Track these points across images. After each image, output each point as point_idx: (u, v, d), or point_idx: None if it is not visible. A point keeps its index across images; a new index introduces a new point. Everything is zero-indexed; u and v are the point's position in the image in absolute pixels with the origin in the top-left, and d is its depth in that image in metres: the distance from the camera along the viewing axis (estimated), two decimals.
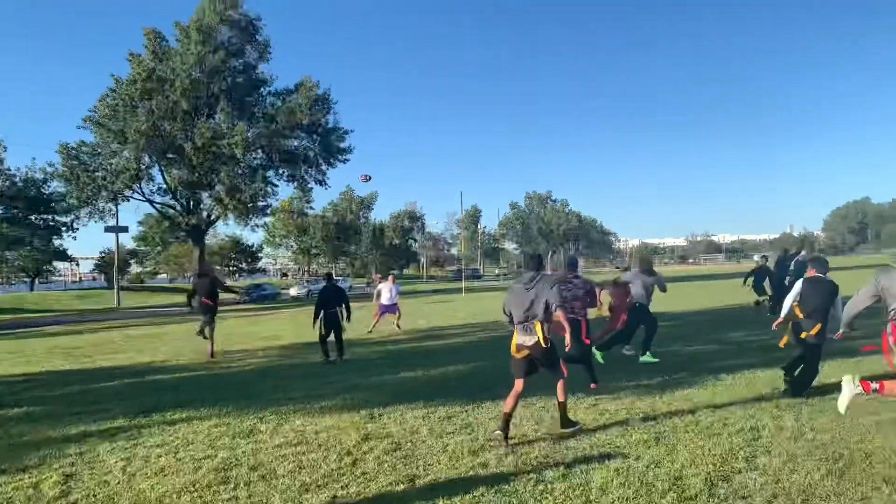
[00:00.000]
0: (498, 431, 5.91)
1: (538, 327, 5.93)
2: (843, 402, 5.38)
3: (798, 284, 7.56)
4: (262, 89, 45.85)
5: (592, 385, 8.06)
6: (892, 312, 5.57)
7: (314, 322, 12.19)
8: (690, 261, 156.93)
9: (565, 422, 6.16)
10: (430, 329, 18.03)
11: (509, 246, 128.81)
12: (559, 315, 6.00)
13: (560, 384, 6.12)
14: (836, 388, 5.75)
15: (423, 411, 7.29)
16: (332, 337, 12.21)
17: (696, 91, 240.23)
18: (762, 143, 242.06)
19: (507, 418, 5.96)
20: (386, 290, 17.77)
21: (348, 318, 12.41)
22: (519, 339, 6.11)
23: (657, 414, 6.69)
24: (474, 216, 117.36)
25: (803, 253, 16.85)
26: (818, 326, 7.14)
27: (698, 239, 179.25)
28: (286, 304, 44.06)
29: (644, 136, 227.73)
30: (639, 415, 6.71)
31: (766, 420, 6.20)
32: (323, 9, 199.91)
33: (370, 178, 13.83)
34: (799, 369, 7.37)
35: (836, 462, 4.93)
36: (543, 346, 5.93)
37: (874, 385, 5.17)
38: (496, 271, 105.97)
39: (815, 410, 6.49)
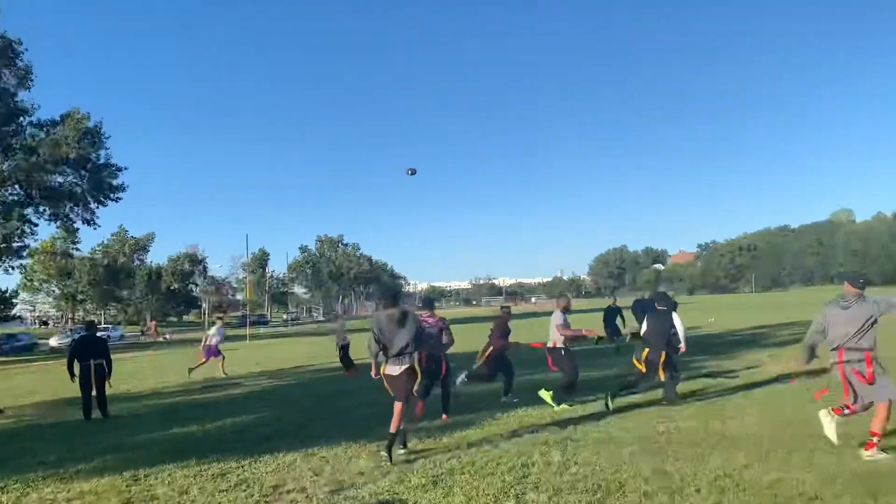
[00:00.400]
0: (390, 451, 6.63)
1: (414, 359, 6.78)
2: (830, 432, 6.18)
3: (647, 317, 9.47)
4: (21, 119, 41.08)
5: (444, 416, 8.80)
6: (832, 345, 6.25)
7: (71, 376, 10.94)
8: (474, 302, 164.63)
9: (394, 444, 6.79)
10: (208, 379, 17.02)
11: (299, 290, 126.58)
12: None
13: (399, 411, 6.72)
14: (590, 418, 6.20)
15: (195, 469, 6.79)
16: (95, 391, 11.03)
17: (464, 143, 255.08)
18: (536, 195, 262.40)
19: (393, 437, 6.71)
20: (214, 334, 18.10)
21: (109, 372, 11.23)
22: (389, 369, 6.83)
23: (436, 456, 6.79)
24: (262, 259, 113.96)
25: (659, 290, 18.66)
26: (663, 354, 8.98)
27: (481, 282, 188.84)
28: (45, 355, 39.79)
29: (429, 186, 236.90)
30: (418, 458, 6.76)
31: (536, 456, 6.51)
32: (96, 38, 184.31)
33: (415, 171, 13.47)
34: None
35: (594, 493, 5.27)
36: (412, 375, 6.78)
37: (845, 410, 6.16)
38: (284, 316, 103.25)
39: (580, 445, 6.93)
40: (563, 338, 9.57)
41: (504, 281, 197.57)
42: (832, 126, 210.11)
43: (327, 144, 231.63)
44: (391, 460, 6.56)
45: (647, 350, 9.16)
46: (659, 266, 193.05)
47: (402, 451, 6.94)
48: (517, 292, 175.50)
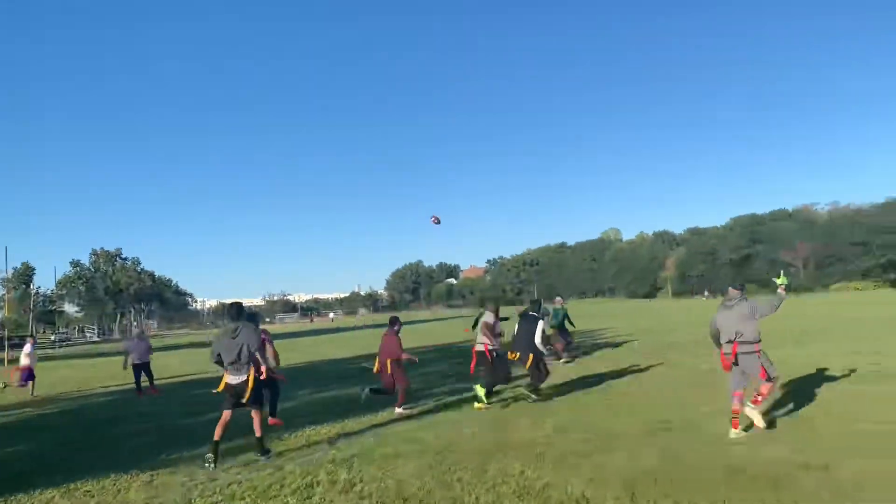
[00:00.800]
0: (210, 455, 6.96)
1: (250, 371, 7.22)
2: (758, 421, 7.08)
3: (518, 323, 10.51)
4: None
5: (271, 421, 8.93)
6: (726, 339, 7.36)
7: None
8: (267, 320, 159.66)
9: (260, 449, 7.35)
10: None
11: (70, 308, 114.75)
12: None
13: (258, 418, 7.34)
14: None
15: None
16: None
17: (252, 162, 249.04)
18: (330, 211, 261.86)
19: (216, 445, 7.02)
20: (29, 352, 17.05)
21: None
22: (229, 378, 7.26)
23: (217, 481, 6.39)
24: (25, 275, 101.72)
25: (558, 298, 18.84)
26: (530, 356, 10.04)
27: (275, 298, 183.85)
28: None
29: (215, 198, 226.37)
30: (197, 485, 6.33)
31: (322, 475, 6.36)
32: None
33: (439, 220, 11.99)
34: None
35: None
36: (251, 385, 7.19)
37: (758, 397, 7.26)
38: (52, 337, 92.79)
39: (367, 461, 6.89)
40: (493, 341, 10.11)
41: (300, 297, 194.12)
42: (604, 152, 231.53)
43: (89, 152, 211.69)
44: (215, 465, 6.91)
45: (517, 353, 10.25)
46: (452, 280, 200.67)
47: (262, 457, 7.27)
48: (313, 308, 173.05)
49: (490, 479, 5.89)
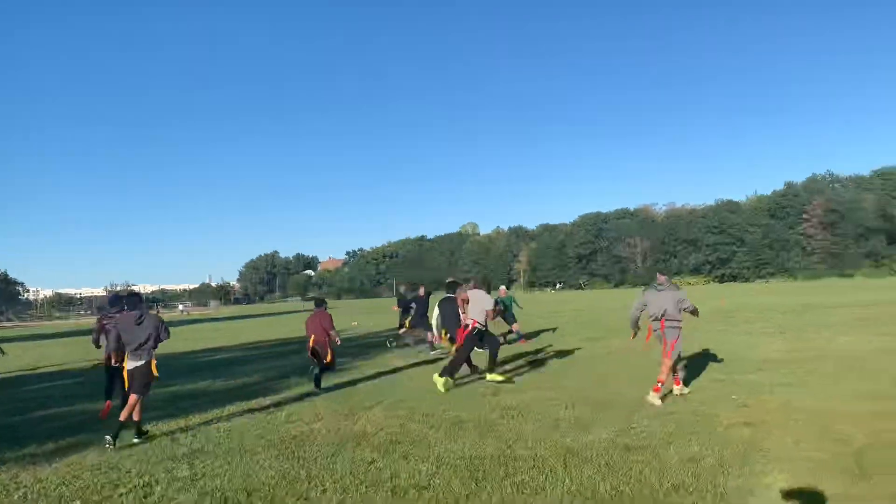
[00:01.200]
0: (109, 437, 7.24)
1: (151, 356, 7.61)
2: (655, 401, 8.02)
3: (439, 305, 11.61)
4: None
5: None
6: (653, 316, 8.66)
7: None
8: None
9: (139, 433, 7.63)
10: None
11: None
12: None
13: (137, 403, 7.48)
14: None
15: None
16: None
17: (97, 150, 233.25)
18: (179, 199, 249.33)
19: (122, 426, 7.37)
20: None
21: None
22: (129, 364, 7.56)
23: (42, 483, 5.93)
24: None
25: (502, 288, 19.46)
26: (459, 330, 10.58)
27: (118, 288, 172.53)
28: None
29: (50, 183, 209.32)
30: (20, 487, 5.85)
31: (161, 473, 6.08)
32: None
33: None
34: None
35: None
36: (147, 370, 7.57)
37: (659, 384, 8.23)
38: None
39: (211, 456, 6.65)
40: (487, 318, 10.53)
41: (145, 287, 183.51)
42: (464, 150, 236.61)
43: None
44: (115, 445, 7.15)
45: (446, 332, 11.34)
46: (310, 272, 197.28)
47: (137, 440, 7.52)
48: (160, 299, 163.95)
49: (339, 470, 5.88)
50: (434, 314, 11.75)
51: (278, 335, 27.68)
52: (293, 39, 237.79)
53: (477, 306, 10.46)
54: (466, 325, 10.46)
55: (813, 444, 5.97)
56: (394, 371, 12.37)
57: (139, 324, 7.59)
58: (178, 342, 27.92)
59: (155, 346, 7.71)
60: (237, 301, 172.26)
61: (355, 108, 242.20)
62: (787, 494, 4.73)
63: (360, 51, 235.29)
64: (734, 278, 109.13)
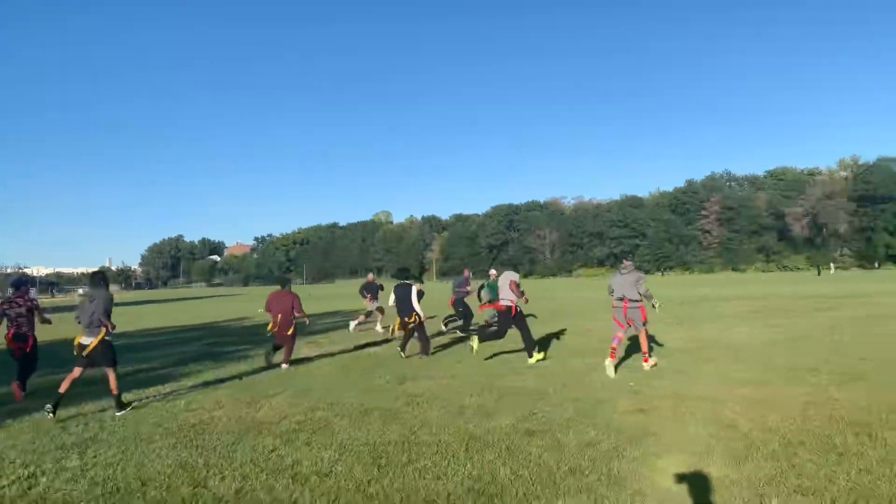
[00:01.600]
0: (49, 406, 7.61)
1: (102, 332, 7.89)
2: (609, 371, 9.18)
3: (394, 290, 12.22)
4: None
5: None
6: (616, 298, 9.89)
7: None
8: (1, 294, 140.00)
9: (119, 405, 7.91)
10: None
11: None
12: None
13: (112, 376, 7.93)
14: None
15: None
16: None
17: None
18: (79, 180, 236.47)
19: (60, 397, 7.72)
20: None
21: None
22: (83, 339, 7.91)
23: None
24: None
25: (492, 272, 19.08)
26: (413, 314, 11.85)
27: (8, 271, 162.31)
28: None
29: None
30: None
31: (49, 464, 5.79)
32: None
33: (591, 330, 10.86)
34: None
35: (114, 495, 4.91)
36: (100, 346, 7.88)
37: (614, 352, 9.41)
38: None
39: (104, 444, 6.38)
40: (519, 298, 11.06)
41: (39, 270, 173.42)
42: (378, 137, 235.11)
43: None
44: (54, 414, 7.57)
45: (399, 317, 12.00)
46: (215, 257, 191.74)
47: (120, 413, 7.80)
48: (55, 283, 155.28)
49: (239, 458, 5.76)
50: (390, 299, 12.36)
51: (181, 322, 26.79)
52: (189, 18, 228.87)
53: (507, 287, 11.13)
54: (509, 307, 11.02)
55: (702, 428, 6.29)
56: (302, 360, 12.19)
57: (92, 301, 7.93)
58: (73, 327, 26.56)
59: (100, 325, 7.90)
60: (139, 286, 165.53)
61: (272, 93, 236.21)
62: (678, 477, 4.96)
63: (270, 36, 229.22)
64: None
